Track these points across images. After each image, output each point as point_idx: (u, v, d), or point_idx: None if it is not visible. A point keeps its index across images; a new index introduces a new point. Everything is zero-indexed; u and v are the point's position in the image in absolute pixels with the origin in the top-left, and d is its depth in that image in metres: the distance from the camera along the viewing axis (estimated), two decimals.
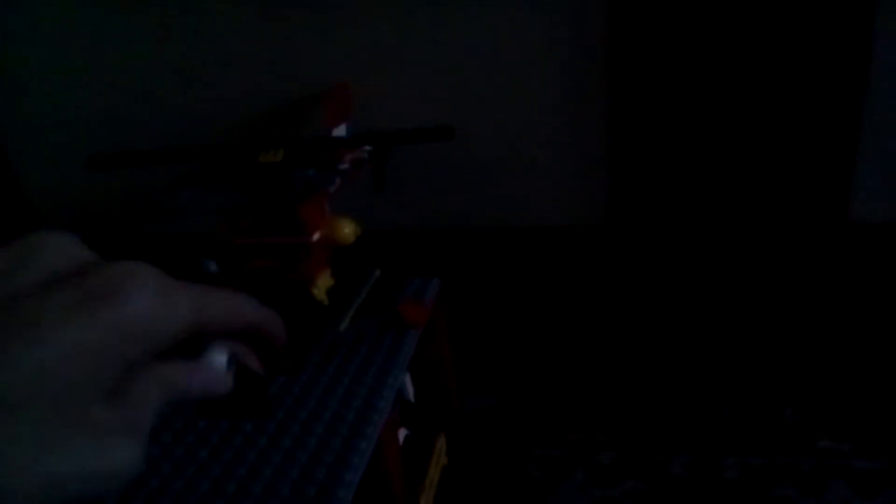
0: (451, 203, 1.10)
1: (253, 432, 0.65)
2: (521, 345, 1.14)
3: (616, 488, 0.93)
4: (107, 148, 0.81)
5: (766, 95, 0.94)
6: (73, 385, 0.25)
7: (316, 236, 0.72)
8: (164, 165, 0.74)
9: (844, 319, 1.06)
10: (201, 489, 0.59)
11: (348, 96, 0.99)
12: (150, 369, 0.30)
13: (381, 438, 0.66)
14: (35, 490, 0.24)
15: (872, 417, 1.00)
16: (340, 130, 0.91)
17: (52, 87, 1.13)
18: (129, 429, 0.28)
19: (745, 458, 0.96)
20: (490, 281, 1.13)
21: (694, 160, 1.00)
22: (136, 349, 0.27)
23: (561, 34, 0.98)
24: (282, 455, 0.62)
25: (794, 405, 1.04)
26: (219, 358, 0.39)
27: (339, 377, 0.72)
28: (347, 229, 0.74)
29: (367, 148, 0.83)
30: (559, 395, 1.09)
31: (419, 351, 0.82)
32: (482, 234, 1.11)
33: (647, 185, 1.03)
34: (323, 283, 0.73)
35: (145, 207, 1.12)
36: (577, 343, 1.13)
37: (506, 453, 1.00)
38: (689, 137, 0.98)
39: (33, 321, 0.24)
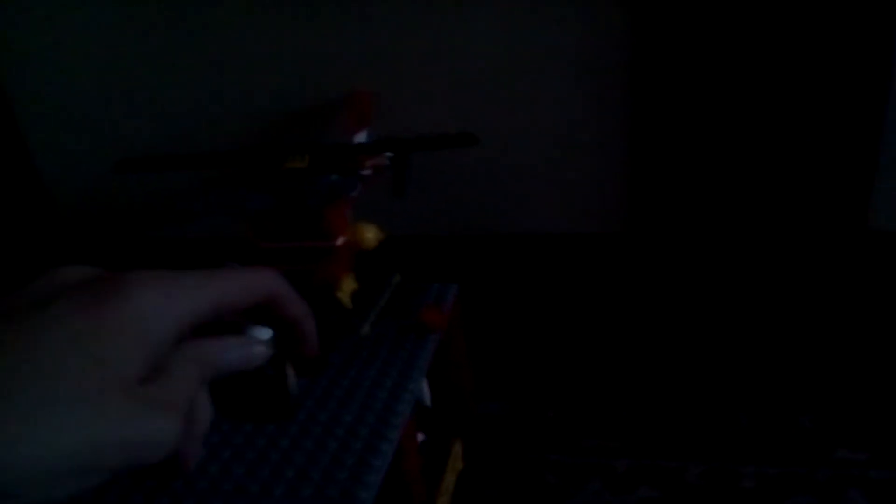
0: (470, 209, 1.11)
1: (275, 434, 0.66)
2: (538, 351, 1.15)
3: (631, 496, 0.94)
4: (131, 151, 0.83)
5: (785, 101, 0.95)
6: (93, 369, 0.28)
7: (340, 241, 0.73)
8: (192, 170, 0.75)
9: (863, 328, 1.06)
10: (225, 489, 0.60)
11: (369, 103, 1.00)
12: (188, 348, 0.33)
13: (400, 442, 0.67)
14: (74, 453, 0.27)
15: (890, 427, 1.00)
16: (361, 137, 0.92)
17: (78, 89, 1.15)
18: (165, 403, 0.30)
19: (762, 467, 0.96)
20: (507, 287, 1.13)
21: (714, 167, 1.00)
22: (151, 336, 0.30)
23: (584, 42, 0.98)
24: (304, 456, 0.63)
25: (811, 414, 1.03)
26: (262, 333, 0.41)
27: (359, 380, 0.73)
28: (371, 234, 0.76)
29: (389, 154, 0.84)
30: (575, 401, 1.10)
31: (437, 355, 0.83)
32: (501, 240, 1.12)
33: (667, 192, 1.03)
34: (347, 287, 0.74)
35: (171, 210, 1.14)
36: (594, 349, 1.14)
37: (522, 459, 1.00)
38: (709, 145, 0.99)
39: (50, 316, 0.28)
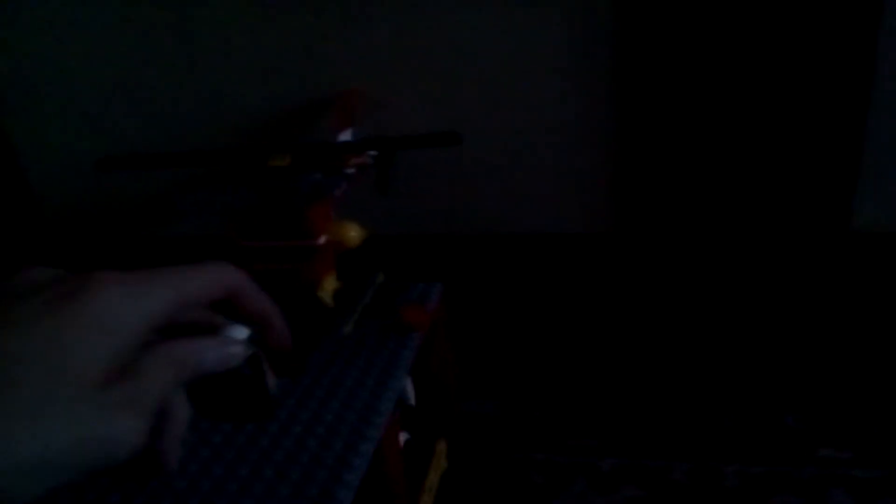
0: (455, 209, 1.11)
1: (255, 432, 0.66)
2: (524, 350, 1.15)
3: (617, 494, 0.94)
4: (115, 150, 0.82)
5: (769, 103, 0.95)
6: (58, 368, 0.28)
7: (322, 240, 0.73)
8: (174, 168, 0.75)
9: (846, 328, 1.07)
10: (203, 488, 0.60)
11: (356, 101, 1.00)
12: (161, 349, 0.33)
13: (382, 441, 0.67)
14: (35, 458, 0.27)
15: (873, 426, 1.00)
16: (347, 135, 0.92)
17: (62, 88, 1.14)
18: (132, 403, 0.30)
19: (746, 466, 0.96)
20: (493, 286, 1.13)
21: (698, 167, 1.00)
22: (116, 335, 0.30)
23: (568, 41, 0.98)
24: (283, 455, 0.63)
25: (795, 413, 1.04)
26: (238, 332, 0.41)
27: (341, 379, 0.73)
28: (353, 233, 0.76)
29: (373, 152, 0.84)
30: (560, 400, 1.10)
31: (421, 355, 0.83)
32: (486, 240, 1.12)
33: (652, 192, 1.03)
34: (329, 286, 0.74)
35: (153, 209, 1.14)
36: (579, 349, 1.14)
37: (507, 458, 1.00)
38: (694, 145, 0.99)
39: (14, 318, 0.28)
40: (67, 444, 0.28)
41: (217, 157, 0.77)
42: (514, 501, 0.95)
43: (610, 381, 1.11)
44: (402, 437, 0.83)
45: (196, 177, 0.81)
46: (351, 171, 0.81)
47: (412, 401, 0.88)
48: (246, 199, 0.75)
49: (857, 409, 1.03)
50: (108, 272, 0.32)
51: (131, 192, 1.15)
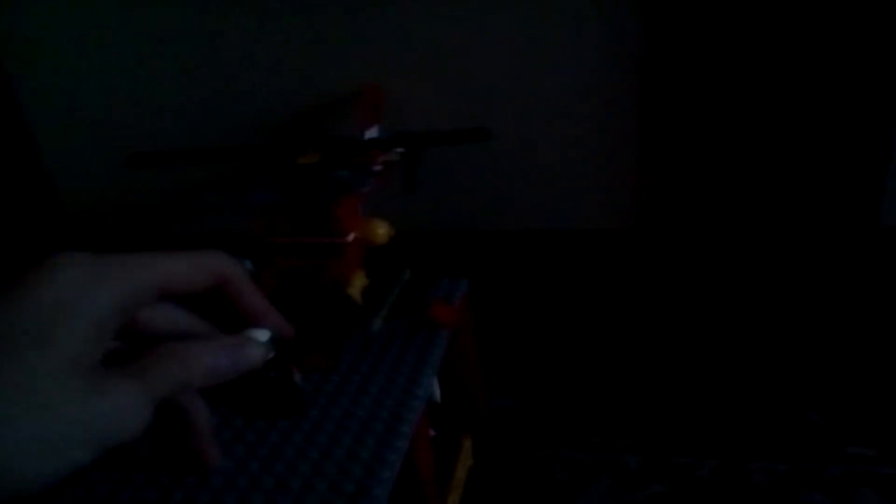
0: (479, 205, 1.11)
1: (289, 430, 0.66)
2: (547, 347, 1.15)
3: (643, 492, 0.93)
4: (141, 148, 0.83)
5: (796, 97, 0.94)
6: (38, 346, 0.28)
7: (351, 237, 0.73)
8: (204, 165, 0.75)
9: (873, 325, 1.06)
10: (240, 486, 0.60)
11: (380, 98, 1.00)
12: (169, 346, 0.33)
13: (413, 438, 0.66)
14: (34, 437, 0.27)
15: None
16: (372, 132, 0.92)
17: (87, 86, 1.14)
18: (130, 386, 0.30)
19: (773, 463, 0.95)
20: (517, 283, 1.13)
21: (723, 161, 1.00)
22: (86, 316, 0.30)
23: (592, 36, 0.98)
24: (318, 452, 0.63)
25: (821, 410, 1.03)
26: (259, 334, 0.40)
27: (371, 376, 0.73)
28: (381, 230, 0.75)
29: (399, 149, 0.84)
30: (585, 397, 1.09)
31: (446, 351, 0.83)
32: (510, 236, 1.12)
33: (676, 187, 1.03)
34: (358, 283, 0.74)
35: (181, 206, 1.14)
36: (603, 345, 1.14)
37: (532, 455, 1.00)
38: (719, 139, 0.98)
39: None
40: (63, 421, 0.28)
41: (246, 153, 0.77)
42: (540, 498, 0.94)
43: (635, 377, 1.11)
44: (429, 433, 0.83)
45: (223, 174, 0.81)
46: (378, 168, 0.81)
47: (438, 398, 0.87)
48: (274, 196, 0.75)
49: (884, 406, 1.02)
50: (77, 254, 0.31)
51: (156, 189, 1.15)
